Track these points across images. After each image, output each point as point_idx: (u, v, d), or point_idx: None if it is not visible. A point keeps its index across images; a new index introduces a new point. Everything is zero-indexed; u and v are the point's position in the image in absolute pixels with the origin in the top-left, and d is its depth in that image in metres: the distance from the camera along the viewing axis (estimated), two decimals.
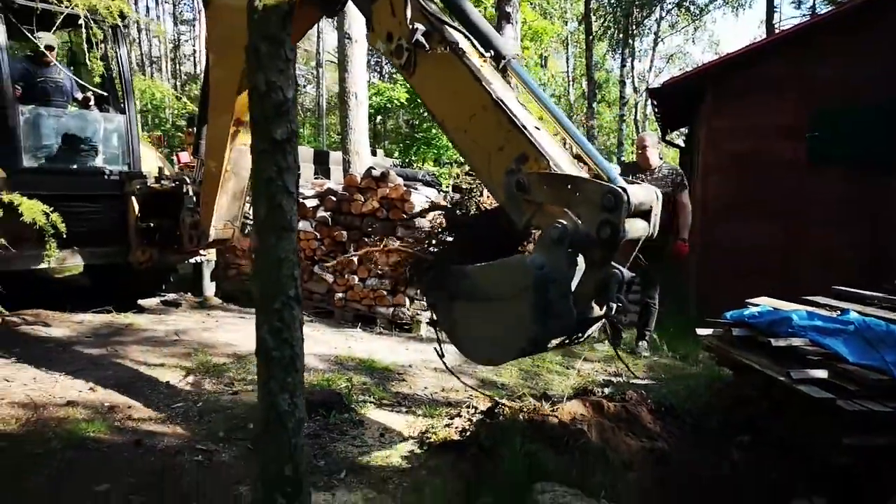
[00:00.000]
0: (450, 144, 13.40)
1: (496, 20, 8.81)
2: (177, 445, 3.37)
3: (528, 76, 2.74)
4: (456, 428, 3.71)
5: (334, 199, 6.94)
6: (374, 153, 13.74)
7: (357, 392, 4.32)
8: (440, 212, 3.69)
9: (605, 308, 2.44)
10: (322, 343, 5.53)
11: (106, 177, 6.21)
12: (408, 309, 6.32)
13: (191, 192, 5.92)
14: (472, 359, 2.79)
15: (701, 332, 4.13)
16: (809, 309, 3.66)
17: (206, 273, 7.57)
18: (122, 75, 6.48)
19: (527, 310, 2.32)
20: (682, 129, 14.75)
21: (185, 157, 7.11)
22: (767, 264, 7.12)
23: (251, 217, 6.27)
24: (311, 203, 7.05)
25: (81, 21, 5.31)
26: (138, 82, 7.05)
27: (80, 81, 6.27)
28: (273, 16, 1.59)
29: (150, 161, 6.78)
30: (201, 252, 6.75)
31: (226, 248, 7.12)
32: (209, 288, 7.60)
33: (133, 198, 6.16)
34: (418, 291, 3.18)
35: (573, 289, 2.34)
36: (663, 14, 27.20)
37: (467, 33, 2.73)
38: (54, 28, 5.61)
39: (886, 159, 6.91)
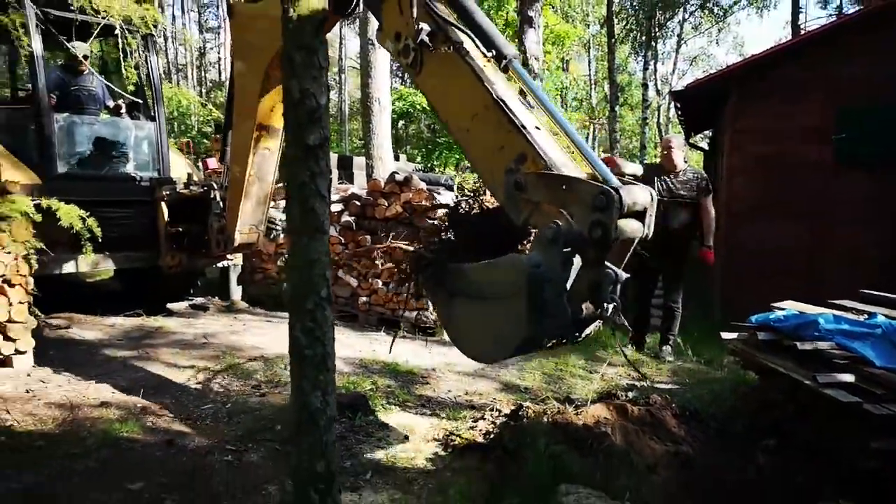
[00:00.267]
0: None
1: (518, 24, 8.85)
2: (207, 446, 3.44)
3: (529, 76, 2.76)
4: (480, 430, 3.75)
5: (358, 203, 7.02)
6: (396, 158, 13.83)
7: (382, 395, 4.36)
8: (445, 211, 3.74)
9: (599, 308, 2.46)
10: (347, 346, 5.60)
11: (137, 183, 6.35)
12: (431, 313, 6.37)
13: (218, 198, 6.04)
14: (469, 356, 2.81)
15: (726, 335, 4.12)
16: (836, 312, 3.63)
17: (233, 277, 7.70)
18: (152, 83, 6.63)
19: (521, 308, 2.34)
20: (706, 132, 14.63)
21: (213, 163, 7.25)
22: (792, 266, 7.06)
23: (275, 221, 6.41)
24: (335, 208, 7.14)
25: (117, 31, 5.45)
26: (165, 90, 7.23)
27: (114, 88, 6.43)
28: (307, 25, 1.65)
29: (180, 167, 6.92)
30: (228, 256, 6.87)
31: (252, 253, 7.24)
32: (236, 292, 7.73)
33: (163, 203, 6.29)
34: (418, 288, 3.22)
35: (568, 288, 2.36)
36: (686, 16, 27.02)
37: (471, 33, 2.76)
38: (91, 38, 5.77)
39: None
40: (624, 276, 2.42)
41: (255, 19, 4.38)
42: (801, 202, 7.20)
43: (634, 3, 24.63)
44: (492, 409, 4.01)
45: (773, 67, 7.46)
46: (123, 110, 6.44)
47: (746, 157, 7.61)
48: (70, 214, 3.73)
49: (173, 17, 32.37)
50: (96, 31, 5.61)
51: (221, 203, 5.91)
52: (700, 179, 5.60)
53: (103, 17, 5.26)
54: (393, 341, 4.14)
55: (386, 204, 6.75)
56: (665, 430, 3.50)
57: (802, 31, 17.46)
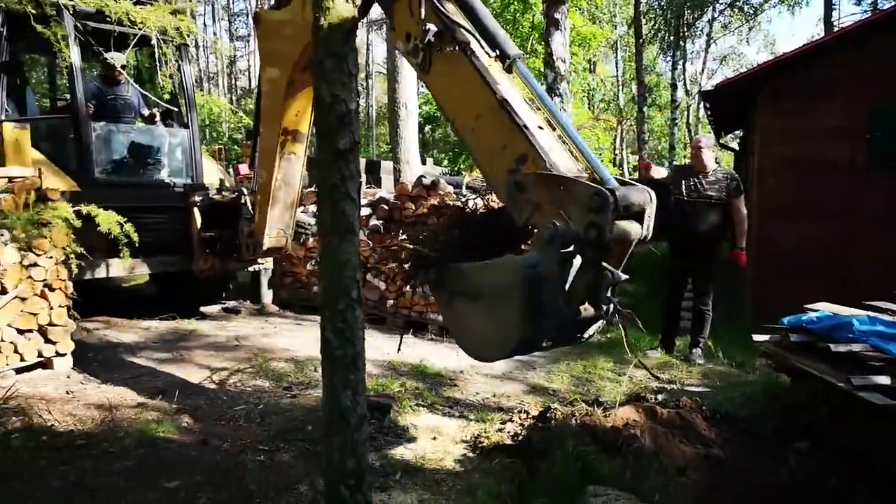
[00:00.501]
0: None
1: (545, 27, 8.84)
2: (240, 445, 3.51)
3: (532, 76, 2.76)
4: (508, 432, 3.76)
5: (386, 207, 7.09)
6: (423, 162, 13.91)
7: (410, 396, 4.40)
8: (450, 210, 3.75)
9: (598, 309, 2.45)
10: (375, 349, 5.65)
11: (171, 189, 6.50)
12: None
13: (248, 203, 6.15)
14: (470, 355, 2.82)
15: (757, 338, 4.07)
16: (870, 314, 3.57)
17: (264, 281, 7.82)
18: (185, 91, 6.79)
19: (518, 309, 2.35)
20: (737, 132, 14.43)
21: (244, 169, 7.38)
22: (824, 267, 6.93)
23: (305, 225, 6.49)
24: (363, 212, 7.22)
25: (153, 41, 5.60)
26: (197, 98, 7.41)
27: (150, 97, 6.59)
28: (337, 33, 1.70)
29: (212, 173, 7.06)
30: (259, 261, 6.98)
31: (282, 257, 7.34)
32: (267, 295, 7.85)
33: (196, 209, 6.42)
34: (419, 287, 3.24)
35: (566, 289, 2.36)
36: (716, 15, 26.65)
37: (476, 33, 2.77)
38: (129, 48, 5.93)
39: None
40: (622, 277, 2.42)
41: (279, 26, 4.47)
42: (832, 202, 7.06)
43: (662, 3, 24.38)
44: (520, 412, 4.03)
45: (804, 66, 7.34)
46: (158, 118, 6.60)
47: (777, 157, 7.49)
48: (108, 220, 3.85)
49: (204, 26, 33.05)
50: (133, 42, 5.77)
51: (251, 208, 6.02)
52: (730, 180, 5.54)
53: (140, 29, 5.41)
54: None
55: (413, 207, 6.80)
56: (695, 433, 3.48)
57: (835, 29, 17.12)
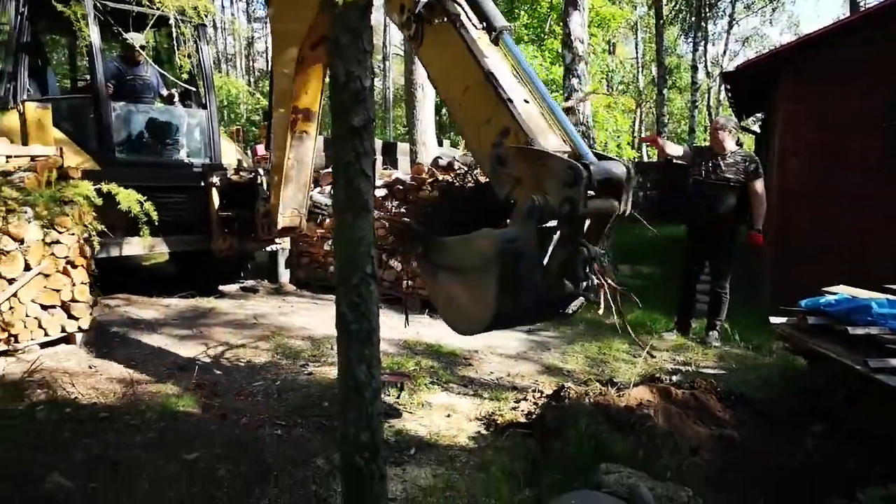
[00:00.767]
0: None
1: (563, 7, 8.74)
2: (258, 420, 3.57)
3: (518, 50, 2.74)
4: (522, 411, 3.79)
5: (402, 188, 7.10)
6: (440, 144, 13.87)
7: (425, 375, 4.44)
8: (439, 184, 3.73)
9: (575, 284, 2.43)
10: (391, 328, 5.68)
11: (190, 169, 6.56)
12: None
13: (264, 184, 6.20)
14: (451, 328, 2.82)
15: (774, 320, 4.05)
16: (890, 297, 3.54)
17: (281, 261, 7.90)
18: (203, 72, 6.82)
19: (495, 282, 2.34)
20: (758, 115, 14.21)
21: (261, 150, 7.44)
22: (843, 250, 6.82)
23: (321, 206, 6.52)
24: (379, 193, 7.24)
25: (171, 21, 5.63)
26: (215, 79, 7.43)
27: (169, 77, 6.63)
28: (353, 9, 1.70)
29: (230, 154, 7.11)
30: (276, 241, 7.05)
31: (299, 237, 7.39)
32: (284, 275, 7.93)
33: (214, 189, 6.48)
34: (404, 260, 3.24)
35: (544, 263, 2.35)
36: None
37: (465, 5, 2.74)
38: (146, 28, 5.97)
39: None
40: (599, 252, 2.40)
41: (289, 4, 4.46)
42: (854, 185, 6.94)
43: None
44: (534, 391, 4.05)
45: (828, 46, 7.19)
46: (176, 99, 6.65)
47: (798, 140, 7.38)
48: (129, 198, 3.91)
49: (222, 7, 32.94)
50: (151, 22, 5.80)
51: (267, 189, 6.06)
52: (749, 162, 5.47)
53: (158, 8, 5.44)
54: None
55: (429, 189, 6.80)
56: (709, 414, 3.48)
57: (862, 9, 16.72)
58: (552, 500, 2.43)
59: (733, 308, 5.81)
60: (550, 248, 2.38)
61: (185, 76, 6.34)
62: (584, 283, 2.46)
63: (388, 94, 28.53)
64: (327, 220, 7.48)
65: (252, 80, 31.68)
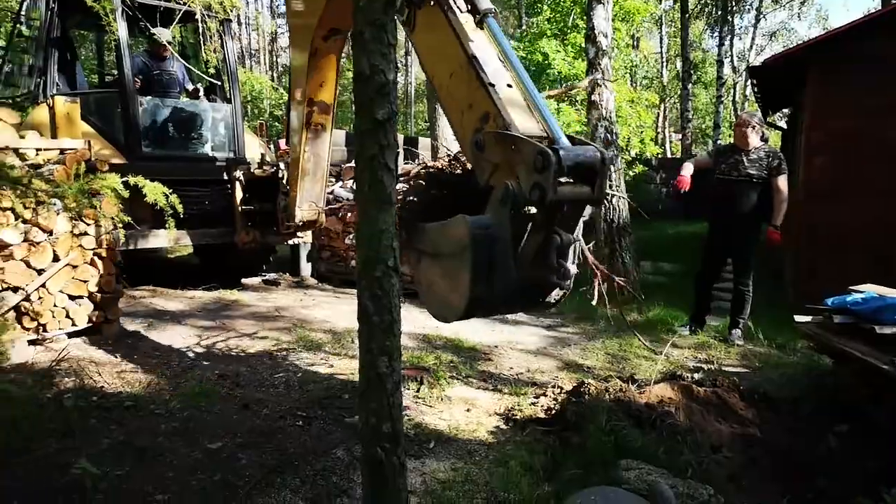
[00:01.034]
0: None
1: (587, 1, 8.66)
2: (279, 411, 3.62)
3: (502, 34, 2.70)
4: (541, 406, 3.79)
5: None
6: None
7: (445, 369, 4.45)
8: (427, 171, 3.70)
9: (549, 272, 2.40)
10: (411, 322, 5.72)
11: (214, 163, 6.63)
12: None
13: (285, 178, 6.25)
14: (432, 315, 2.79)
15: (799, 318, 3.99)
16: None
17: (303, 254, 7.96)
18: (228, 67, 6.89)
19: (468, 268, 2.31)
20: (785, 111, 13.98)
21: (284, 144, 7.54)
22: (871, 248, 6.69)
23: (342, 200, 6.54)
24: (399, 187, 7.26)
25: (198, 16, 5.70)
26: (239, 74, 7.52)
27: (196, 72, 6.71)
28: (377, 2, 1.71)
29: (254, 148, 7.18)
30: (298, 234, 7.11)
31: (320, 231, 7.44)
32: (305, 268, 8.00)
33: (237, 183, 6.55)
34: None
35: (518, 251, 2.33)
36: None
37: None
38: (173, 24, 6.04)
39: None
40: (573, 239, 2.36)
41: None
42: (882, 181, 6.80)
43: None
44: (554, 386, 4.04)
45: (857, 40, 7.04)
46: (202, 93, 6.72)
47: (826, 135, 7.24)
48: (155, 192, 3.97)
49: (246, 2, 33.21)
50: (178, 17, 5.87)
51: (286, 182, 6.11)
52: (772, 158, 5.39)
53: (185, 4, 5.50)
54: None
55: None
56: (731, 412, 3.45)
57: (893, 2, 16.35)
58: (572, 496, 2.43)
59: (756, 306, 5.74)
60: (525, 236, 2.35)
61: (210, 71, 6.40)
62: (562, 272, 2.43)
63: (410, 90, 28.55)
64: (349, 215, 7.52)
65: (275, 75, 31.90)
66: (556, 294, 2.60)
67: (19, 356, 4.10)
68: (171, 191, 4.44)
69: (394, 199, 1.84)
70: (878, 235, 6.78)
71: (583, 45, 10.54)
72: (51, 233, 4.33)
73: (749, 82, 14.59)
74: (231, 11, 6.42)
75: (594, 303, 4.57)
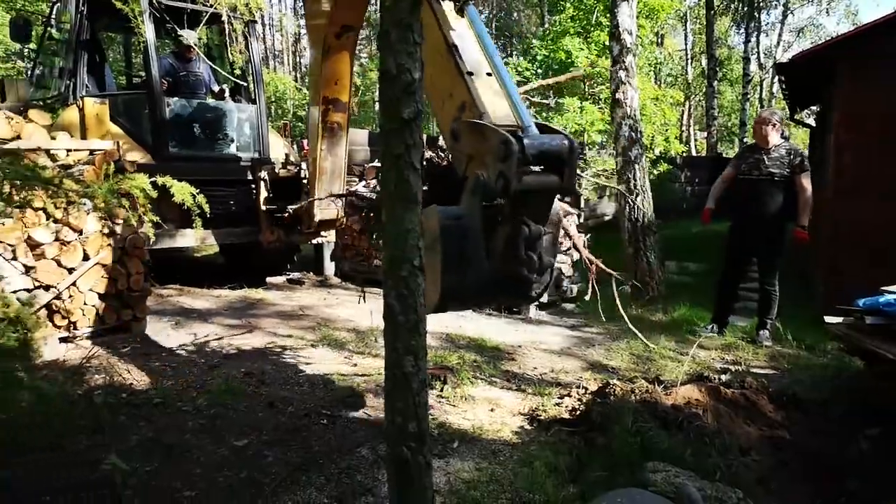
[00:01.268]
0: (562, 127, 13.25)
1: None
2: (304, 409, 3.64)
3: (480, 22, 2.68)
4: (566, 407, 3.76)
5: None
6: None
7: (468, 368, 4.44)
8: None
9: (517, 264, 2.35)
10: (433, 321, 5.70)
11: (239, 163, 6.70)
12: None
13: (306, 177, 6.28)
14: None
15: (829, 319, 3.92)
16: None
17: (326, 254, 8.01)
18: (253, 68, 6.95)
19: (440, 260, 2.28)
20: (813, 108, 13.73)
21: (307, 144, 7.60)
22: None
23: (363, 198, 6.56)
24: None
25: (224, 18, 5.76)
26: (263, 75, 7.62)
27: (221, 73, 6.78)
28: (404, 2, 1.70)
29: (278, 148, 7.24)
30: (321, 234, 7.15)
31: (342, 230, 7.46)
32: (329, 267, 8.04)
33: (262, 182, 6.61)
34: (374, 237, 3.17)
35: (490, 242, 2.30)
36: None
37: None
38: (200, 25, 6.11)
39: None
40: (542, 230, 2.31)
41: None
42: None
43: None
44: (578, 387, 4.02)
45: (887, 36, 6.89)
46: (227, 94, 6.79)
47: (856, 133, 7.09)
48: (183, 192, 4.03)
49: (270, 3, 33.50)
50: (205, 19, 5.93)
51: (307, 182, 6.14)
52: (794, 156, 5.30)
53: (211, 6, 5.56)
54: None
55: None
56: (760, 414, 3.40)
57: None
58: (597, 497, 2.41)
59: (784, 306, 5.64)
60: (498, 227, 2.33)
61: (236, 72, 6.46)
62: (534, 264, 2.38)
63: None
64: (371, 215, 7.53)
65: (299, 75, 32.12)
66: (536, 288, 2.55)
67: (51, 353, 4.18)
68: (197, 191, 4.49)
69: (419, 198, 1.84)
70: None
71: (606, 42, 10.46)
72: (81, 232, 4.41)
73: (776, 79, 14.35)
74: (256, 13, 6.48)
75: (587, 297, 4.51)
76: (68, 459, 2.89)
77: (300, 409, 3.65)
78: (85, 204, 4.26)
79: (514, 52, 26.66)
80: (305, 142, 8.39)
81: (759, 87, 28.19)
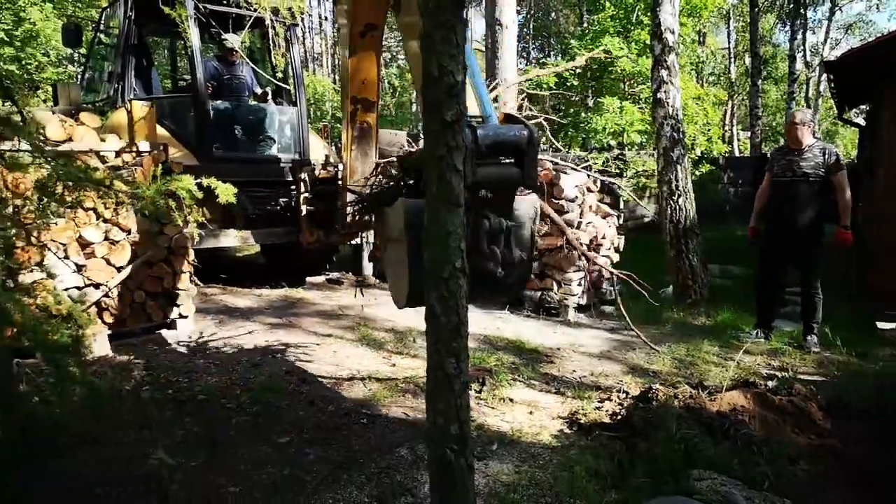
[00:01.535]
0: (597, 129, 13.10)
1: None
2: (344, 408, 3.68)
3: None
4: (606, 411, 3.71)
5: None
6: None
7: (507, 371, 4.42)
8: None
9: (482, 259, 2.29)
10: (472, 323, 5.66)
11: (280, 164, 6.80)
12: (555, 293, 6.34)
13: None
14: (393, 300, 2.71)
15: (882, 325, 3.79)
16: None
17: (365, 254, 8.06)
18: (294, 70, 7.05)
19: (405, 252, 2.23)
20: (862, 107, 13.29)
21: None
22: None
23: None
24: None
25: (267, 22, 5.86)
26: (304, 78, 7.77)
27: (264, 76, 6.89)
28: (446, 4, 1.70)
29: (318, 150, 7.32)
30: (360, 234, 7.20)
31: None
32: (367, 268, 8.09)
33: (302, 184, 6.68)
34: (364, 231, 3.13)
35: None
36: None
37: None
38: (244, 29, 6.22)
39: None
40: (505, 224, 2.24)
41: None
42: None
43: None
44: (619, 391, 3.96)
45: None
46: (269, 97, 6.90)
47: None
48: (227, 193, 4.11)
49: (310, 6, 33.93)
50: (249, 23, 6.03)
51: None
52: (828, 155, 5.13)
53: (254, 10, 5.66)
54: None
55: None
56: (809, 423, 3.30)
57: None
58: None
59: (831, 311, 5.46)
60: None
61: (278, 75, 6.55)
62: (498, 259, 2.32)
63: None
64: None
65: (337, 78, 32.46)
66: (508, 282, 2.49)
67: (101, 350, 4.30)
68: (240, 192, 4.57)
69: (461, 201, 1.84)
70: None
71: (647, 42, 10.29)
72: (129, 232, 4.53)
73: (825, 77, 13.94)
74: (298, 16, 6.57)
75: (618, 301, 4.42)
76: (117, 453, 2.97)
77: (340, 407, 3.68)
78: (133, 205, 4.37)
79: (553, 52, 26.50)
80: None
81: (805, 86, 27.40)
